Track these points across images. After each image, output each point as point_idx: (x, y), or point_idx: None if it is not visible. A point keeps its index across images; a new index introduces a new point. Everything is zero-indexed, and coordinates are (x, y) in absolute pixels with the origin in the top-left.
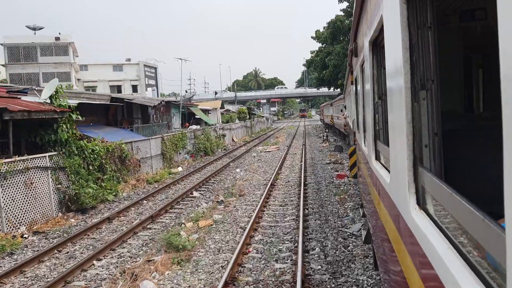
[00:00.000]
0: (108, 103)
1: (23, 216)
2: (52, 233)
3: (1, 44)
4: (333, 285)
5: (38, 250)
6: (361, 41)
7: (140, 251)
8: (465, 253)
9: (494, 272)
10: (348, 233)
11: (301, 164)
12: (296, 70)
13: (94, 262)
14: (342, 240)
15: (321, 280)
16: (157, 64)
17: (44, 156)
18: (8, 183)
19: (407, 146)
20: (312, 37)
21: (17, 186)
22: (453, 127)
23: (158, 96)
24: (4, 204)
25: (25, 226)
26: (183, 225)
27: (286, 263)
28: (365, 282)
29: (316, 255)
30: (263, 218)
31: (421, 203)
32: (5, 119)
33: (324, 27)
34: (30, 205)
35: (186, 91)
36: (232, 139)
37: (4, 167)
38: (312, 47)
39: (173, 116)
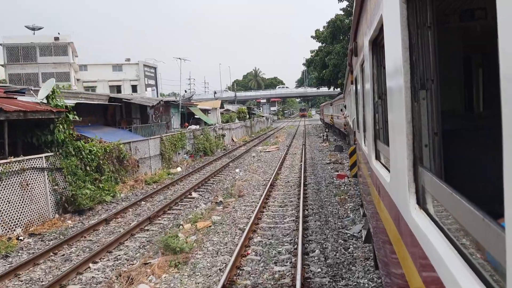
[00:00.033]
0: (106, 103)
1: (19, 218)
2: (48, 235)
3: (0, 44)
4: None
5: (33, 253)
6: (361, 40)
7: (137, 254)
8: (465, 253)
9: (494, 272)
10: (349, 235)
11: (301, 164)
12: (296, 69)
13: (90, 265)
14: (342, 242)
15: (321, 283)
16: (156, 64)
17: (40, 157)
18: (3, 185)
19: (407, 145)
20: (312, 37)
21: (13, 187)
22: (453, 126)
23: (157, 96)
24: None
25: (21, 228)
26: (181, 226)
27: (285, 265)
28: (366, 285)
29: (316, 258)
30: (262, 219)
31: (421, 202)
32: (0, 120)
33: (324, 27)
34: (26, 206)
35: (186, 91)
36: (232, 139)
37: None
38: (312, 47)
39: (172, 116)
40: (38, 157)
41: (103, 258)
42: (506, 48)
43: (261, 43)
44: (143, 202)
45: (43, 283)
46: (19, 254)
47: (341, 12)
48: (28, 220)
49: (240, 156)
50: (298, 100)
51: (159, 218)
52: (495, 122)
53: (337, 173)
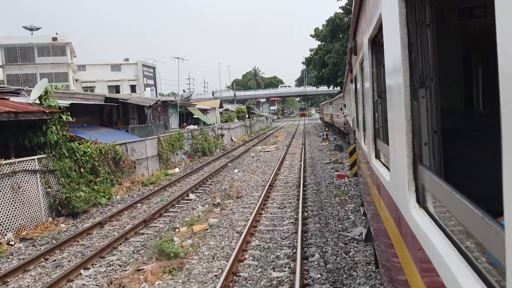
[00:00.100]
0: (103, 103)
1: (10, 222)
2: (40, 240)
3: None
4: None
5: (24, 259)
6: (360, 39)
7: (130, 259)
8: (465, 251)
9: (494, 270)
10: (349, 238)
11: (301, 164)
12: (295, 69)
13: (81, 271)
14: (342, 245)
15: None
16: (155, 64)
17: (32, 159)
18: None
19: (406, 144)
20: (311, 35)
21: (4, 190)
22: (452, 125)
23: (156, 96)
24: None
25: (12, 232)
26: (177, 230)
27: (283, 271)
28: None
29: (315, 262)
30: (261, 221)
31: (421, 201)
32: None
33: (323, 25)
34: (17, 210)
35: (184, 91)
36: (231, 138)
37: None
38: (311, 45)
39: (170, 116)
40: (30, 159)
41: (95, 264)
42: (505, 47)
43: (260, 42)
44: (139, 204)
45: None
46: (9, 260)
47: (340, 11)
48: (19, 224)
49: (239, 156)
50: (297, 99)
51: (155, 221)
52: (495, 120)
53: (337, 173)
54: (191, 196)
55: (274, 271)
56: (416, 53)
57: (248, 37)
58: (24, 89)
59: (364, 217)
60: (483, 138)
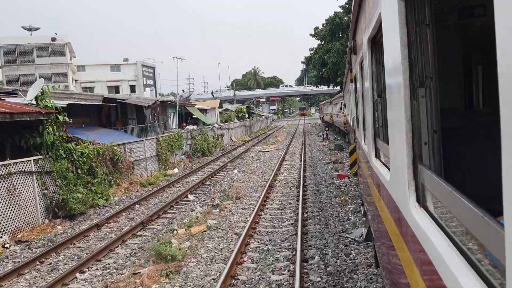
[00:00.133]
0: (101, 103)
1: (6, 225)
2: (36, 242)
3: None
4: None
5: (19, 262)
6: (360, 39)
7: (127, 262)
8: (464, 250)
9: (494, 269)
10: (350, 239)
11: (301, 164)
12: (295, 68)
13: (77, 274)
14: (343, 247)
15: None
16: (155, 64)
17: (28, 160)
18: None
19: (406, 143)
20: (310, 34)
21: None
22: (452, 124)
23: (156, 96)
24: None
25: (7, 235)
26: (175, 231)
27: (283, 274)
28: None
29: (315, 265)
30: (260, 223)
31: (421, 200)
32: None
33: (322, 24)
34: (13, 212)
35: (183, 91)
36: (231, 138)
37: None
38: (311, 45)
39: (169, 116)
40: (26, 161)
41: (92, 267)
42: (505, 47)
43: (260, 42)
44: (137, 206)
45: None
46: (4, 263)
47: (340, 10)
48: (15, 226)
49: (239, 156)
50: (297, 99)
51: (153, 223)
52: (495, 120)
53: (337, 173)
54: (190, 197)
55: (273, 274)
56: (415, 53)
57: (248, 37)
58: (20, 89)
59: (364, 217)
60: (483, 138)
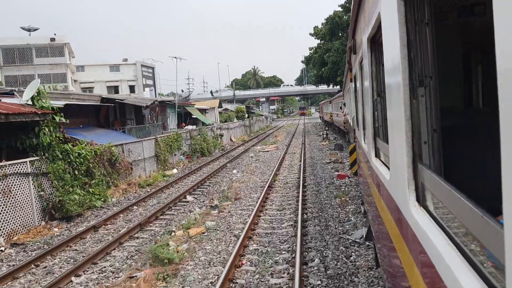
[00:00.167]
0: (99, 103)
1: (1, 227)
2: (32, 245)
3: None
4: None
5: (14, 265)
6: (360, 38)
7: (124, 265)
8: (464, 250)
9: (493, 268)
10: (350, 241)
11: (300, 164)
12: (295, 68)
13: (73, 278)
14: (343, 249)
15: None
16: (154, 64)
17: (24, 162)
18: None
19: (406, 143)
20: (310, 34)
21: None
22: (452, 123)
23: (156, 96)
24: None
25: (3, 237)
26: (173, 233)
27: (282, 277)
28: None
29: (315, 268)
30: (259, 224)
31: (420, 200)
32: None
33: (322, 23)
34: (8, 214)
35: (183, 91)
36: (230, 138)
37: None
38: (311, 45)
39: (168, 117)
40: (22, 162)
41: (87, 271)
42: (503, 46)
43: (260, 42)
44: (135, 207)
45: None
46: None
47: (340, 9)
48: (11, 228)
49: (238, 156)
50: (297, 98)
51: (151, 224)
52: (495, 118)
53: (338, 173)
54: (189, 198)
55: (272, 277)
56: (415, 52)
57: (248, 37)
58: (16, 89)
59: (364, 216)
60: (483, 136)
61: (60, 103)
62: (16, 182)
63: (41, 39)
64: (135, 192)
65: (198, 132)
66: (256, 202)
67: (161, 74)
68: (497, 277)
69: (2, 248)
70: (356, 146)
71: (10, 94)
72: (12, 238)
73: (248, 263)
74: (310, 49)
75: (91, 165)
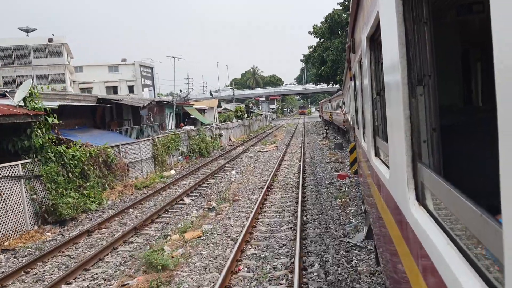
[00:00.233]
0: (94, 104)
1: None
2: (23, 250)
3: None
4: None
5: (3, 272)
6: (359, 37)
7: (116, 271)
8: (464, 248)
9: (492, 267)
10: (351, 244)
11: (300, 164)
12: (295, 67)
13: (63, 286)
14: (344, 253)
15: None
16: (153, 64)
17: (16, 165)
18: None
19: (405, 142)
20: (309, 32)
21: None
22: (451, 121)
23: (155, 96)
24: None
25: None
26: (168, 237)
27: (280, 284)
28: None
29: (315, 273)
30: (257, 227)
31: (420, 198)
32: None
33: (321, 22)
34: None
35: (181, 90)
36: (230, 138)
37: None
38: (310, 43)
39: (166, 117)
40: (13, 165)
41: (79, 278)
42: (501, 45)
43: (260, 41)
44: (131, 210)
45: None
46: None
47: (339, 7)
48: (1, 234)
49: (237, 156)
50: (297, 97)
51: (146, 228)
52: (494, 116)
53: (338, 173)
54: (186, 200)
55: (270, 284)
56: (413, 51)
57: (247, 36)
58: (8, 90)
59: (365, 215)
60: (482, 134)
61: (54, 104)
62: (7, 185)
63: (39, 39)
64: (132, 194)
65: (196, 132)
66: (255, 204)
67: (160, 74)
68: (496, 276)
69: None
70: (356, 145)
71: (2, 95)
72: (3, 243)
73: (246, 268)
74: (310, 47)
75: (86, 167)
